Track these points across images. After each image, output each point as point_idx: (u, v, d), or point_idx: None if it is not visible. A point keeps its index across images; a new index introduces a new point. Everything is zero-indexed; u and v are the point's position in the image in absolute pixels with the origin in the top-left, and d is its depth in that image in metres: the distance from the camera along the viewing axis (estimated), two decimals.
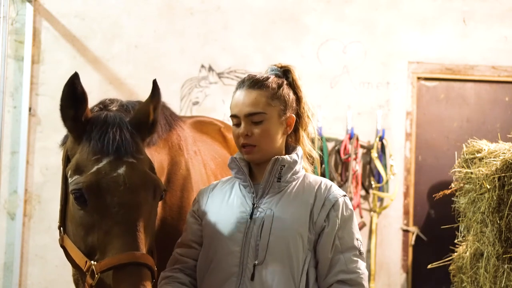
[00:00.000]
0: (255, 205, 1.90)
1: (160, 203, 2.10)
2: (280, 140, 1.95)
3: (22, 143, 4.27)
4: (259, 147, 1.90)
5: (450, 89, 4.66)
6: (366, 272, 1.89)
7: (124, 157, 1.71)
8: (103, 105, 1.95)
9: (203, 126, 3.10)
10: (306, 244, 1.85)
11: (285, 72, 2.01)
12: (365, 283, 1.87)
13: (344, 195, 1.95)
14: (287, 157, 1.92)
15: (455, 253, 3.28)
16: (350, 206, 1.94)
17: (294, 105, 1.98)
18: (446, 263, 3.35)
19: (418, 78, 4.59)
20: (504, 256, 2.63)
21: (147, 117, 1.84)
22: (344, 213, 1.90)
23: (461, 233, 3.13)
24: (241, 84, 1.96)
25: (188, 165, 2.30)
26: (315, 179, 1.98)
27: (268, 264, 1.82)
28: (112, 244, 1.63)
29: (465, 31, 4.61)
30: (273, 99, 1.92)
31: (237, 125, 1.93)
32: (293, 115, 1.97)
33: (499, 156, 2.75)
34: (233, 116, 1.94)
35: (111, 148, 1.71)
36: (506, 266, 2.63)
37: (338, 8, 4.57)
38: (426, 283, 4.49)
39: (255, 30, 4.55)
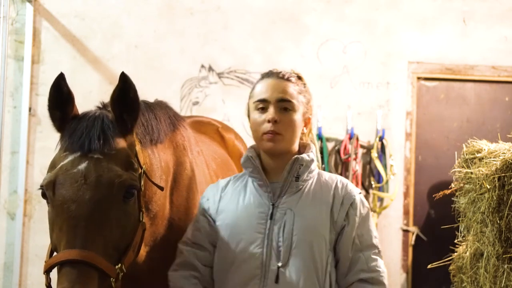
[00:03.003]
0: (274, 205, 1.87)
1: (167, 202, 2.09)
2: (298, 136, 1.95)
3: (22, 143, 4.27)
4: (284, 136, 1.87)
5: (450, 89, 4.66)
6: (386, 270, 1.88)
7: (90, 153, 1.67)
8: (103, 104, 1.95)
9: (201, 126, 3.10)
10: (328, 244, 1.84)
11: (299, 77, 2.01)
12: (386, 281, 1.86)
13: (360, 193, 1.94)
14: (305, 156, 1.90)
15: (455, 253, 3.27)
16: (366, 204, 1.94)
17: (310, 107, 2.00)
18: (446, 263, 3.34)
19: (418, 78, 4.59)
20: (504, 256, 2.63)
21: (119, 110, 1.76)
22: (362, 211, 1.90)
23: (461, 233, 3.13)
24: (269, 74, 1.96)
25: (193, 166, 2.30)
26: (331, 177, 1.96)
27: (293, 266, 1.79)
28: (60, 242, 1.61)
29: (465, 31, 4.61)
30: (300, 95, 1.94)
31: (263, 109, 1.90)
32: (310, 117, 1.99)
33: (499, 156, 2.74)
34: (261, 101, 1.90)
35: (77, 145, 1.69)
36: (506, 266, 2.63)
37: (338, 8, 4.57)
38: (426, 283, 4.49)
39: (255, 30, 4.55)
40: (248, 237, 1.85)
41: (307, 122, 1.98)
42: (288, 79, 1.93)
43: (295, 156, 1.89)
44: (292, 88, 1.92)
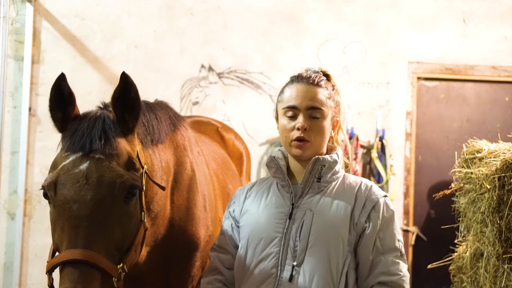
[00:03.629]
0: (294, 205, 1.88)
1: (168, 203, 2.09)
2: (327, 141, 1.95)
3: (22, 143, 4.27)
4: (312, 143, 1.88)
5: (450, 89, 4.66)
6: (408, 274, 1.85)
7: (91, 153, 1.67)
8: (104, 104, 1.95)
9: (201, 126, 3.10)
10: (346, 245, 1.82)
11: (327, 77, 2.00)
12: (407, 285, 1.82)
13: (385, 196, 1.91)
14: (327, 157, 1.90)
15: (455, 253, 3.27)
16: (391, 207, 1.91)
17: (339, 109, 1.99)
18: (446, 263, 3.34)
19: (418, 78, 4.59)
20: (504, 256, 2.63)
21: (120, 110, 1.77)
22: (385, 214, 1.87)
23: (461, 233, 3.13)
24: (299, 79, 1.94)
25: (193, 166, 2.30)
26: (355, 179, 1.95)
27: (307, 266, 1.79)
28: (62, 242, 1.61)
29: (465, 31, 4.61)
30: (329, 100, 1.93)
31: (292, 117, 1.89)
32: (338, 119, 1.99)
33: (499, 156, 2.74)
34: (290, 108, 1.90)
35: (78, 145, 1.69)
36: (506, 266, 2.63)
37: (338, 8, 4.57)
38: (426, 283, 4.49)
39: (255, 30, 4.55)
40: (266, 236, 1.86)
41: (335, 125, 1.98)
42: (318, 84, 1.91)
43: (316, 156, 1.88)
44: (322, 94, 1.91)
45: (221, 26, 4.53)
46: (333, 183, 1.92)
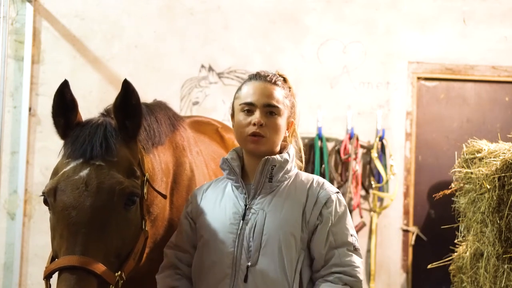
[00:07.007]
0: (247, 206, 1.90)
1: (167, 204, 2.09)
2: (281, 139, 1.96)
3: (22, 143, 4.27)
4: (268, 139, 1.89)
5: (450, 89, 4.66)
6: (362, 267, 1.88)
7: (92, 160, 1.68)
8: (107, 111, 1.95)
9: (200, 126, 3.10)
10: (299, 243, 1.85)
11: (283, 80, 2.03)
12: (360, 276, 1.85)
13: (337, 192, 1.94)
14: (277, 156, 1.91)
15: (455, 253, 3.27)
16: (344, 203, 1.94)
17: (294, 110, 2.02)
18: (446, 263, 3.34)
19: (418, 78, 4.60)
20: (504, 256, 2.63)
21: (122, 117, 1.78)
22: (338, 209, 1.90)
23: (461, 233, 3.13)
24: (257, 77, 1.97)
25: (192, 166, 2.30)
26: (307, 177, 1.97)
27: (261, 266, 1.82)
28: (61, 248, 1.61)
29: (465, 31, 4.61)
30: (285, 99, 1.96)
31: (249, 112, 1.91)
32: (293, 120, 2.01)
33: (499, 156, 2.74)
34: (247, 104, 1.92)
35: (79, 152, 1.70)
36: (506, 266, 2.63)
37: (338, 8, 4.58)
38: (426, 283, 4.49)
39: (255, 30, 4.55)
40: (221, 238, 1.88)
41: (290, 125, 2.00)
42: (275, 83, 1.95)
43: (266, 157, 1.90)
44: (279, 93, 1.94)
45: (221, 26, 4.54)
46: (285, 182, 1.93)
